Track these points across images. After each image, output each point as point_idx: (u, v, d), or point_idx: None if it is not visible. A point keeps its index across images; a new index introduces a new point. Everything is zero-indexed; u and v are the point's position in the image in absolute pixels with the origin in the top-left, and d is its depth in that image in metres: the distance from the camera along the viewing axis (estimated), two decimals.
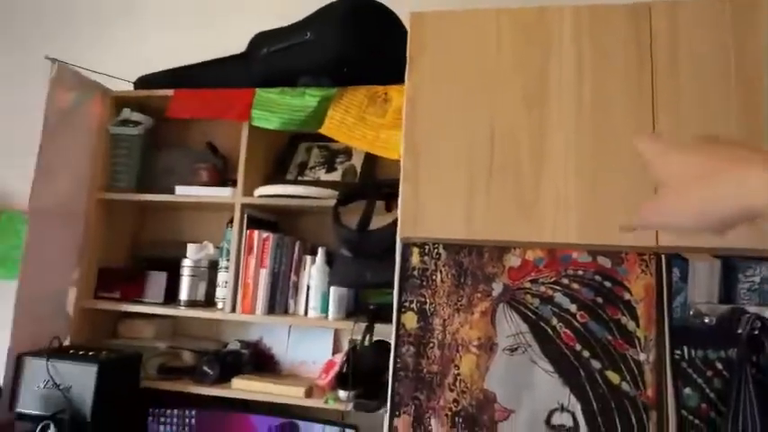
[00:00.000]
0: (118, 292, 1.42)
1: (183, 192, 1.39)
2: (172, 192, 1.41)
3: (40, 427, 1.04)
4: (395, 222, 1.13)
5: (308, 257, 1.35)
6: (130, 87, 1.53)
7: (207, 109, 1.38)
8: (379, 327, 1.22)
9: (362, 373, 1.22)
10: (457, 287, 0.81)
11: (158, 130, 1.55)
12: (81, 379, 1.17)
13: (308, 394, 1.25)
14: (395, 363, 0.81)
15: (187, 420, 1.29)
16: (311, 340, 1.47)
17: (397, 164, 1.34)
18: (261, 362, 1.47)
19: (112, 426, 1.20)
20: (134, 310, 1.41)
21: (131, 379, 1.29)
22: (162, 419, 1.30)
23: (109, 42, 1.75)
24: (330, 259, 1.33)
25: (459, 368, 0.79)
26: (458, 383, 0.78)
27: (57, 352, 1.24)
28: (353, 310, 1.34)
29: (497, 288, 0.79)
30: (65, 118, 1.34)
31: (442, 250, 0.82)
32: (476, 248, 0.81)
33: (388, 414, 1.15)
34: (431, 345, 0.80)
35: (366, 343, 1.24)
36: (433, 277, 0.82)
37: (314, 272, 1.30)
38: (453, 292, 0.81)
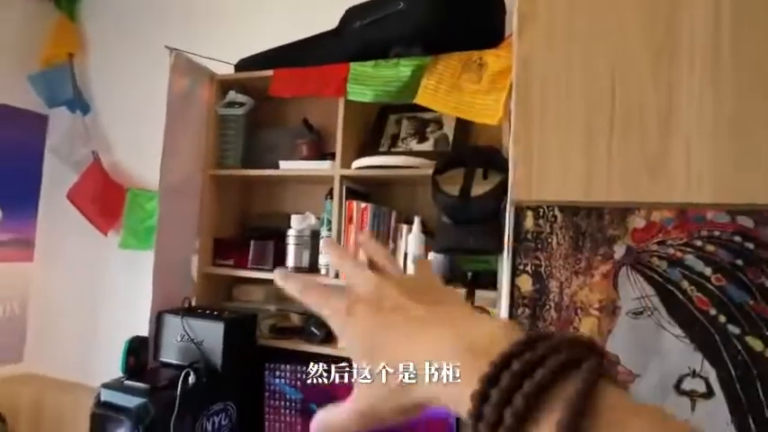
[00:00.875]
0: (232, 260, 1.57)
1: (287, 166, 1.49)
2: (276, 166, 1.51)
3: (183, 374, 1.19)
4: (496, 188, 1.13)
5: (404, 226, 1.39)
6: (232, 70, 1.64)
7: (305, 87, 1.45)
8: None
9: None
10: (575, 250, 0.80)
11: (258, 109, 1.65)
12: (210, 334, 1.32)
13: None
14: None
15: (299, 375, 1.42)
16: None
17: (492, 130, 1.33)
18: None
19: (237, 376, 1.35)
20: (246, 276, 1.55)
21: (249, 336, 1.43)
22: (277, 373, 1.43)
23: (212, 29, 1.87)
24: (425, 228, 1.36)
25: (578, 330, 0.78)
26: None
27: (188, 311, 1.40)
28: (450, 278, 1.37)
29: (619, 250, 0.77)
30: (182, 102, 1.48)
31: (557, 213, 0.81)
32: (595, 211, 0.79)
33: None
34: (547, 307, 0.81)
35: None
36: (549, 240, 0.81)
37: (411, 239, 1.34)
38: (571, 254, 0.80)
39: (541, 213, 0.83)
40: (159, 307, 1.42)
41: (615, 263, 0.78)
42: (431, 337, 0.26)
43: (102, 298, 1.98)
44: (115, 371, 1.93)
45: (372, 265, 0.34)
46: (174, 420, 1.14)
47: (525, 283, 0.83)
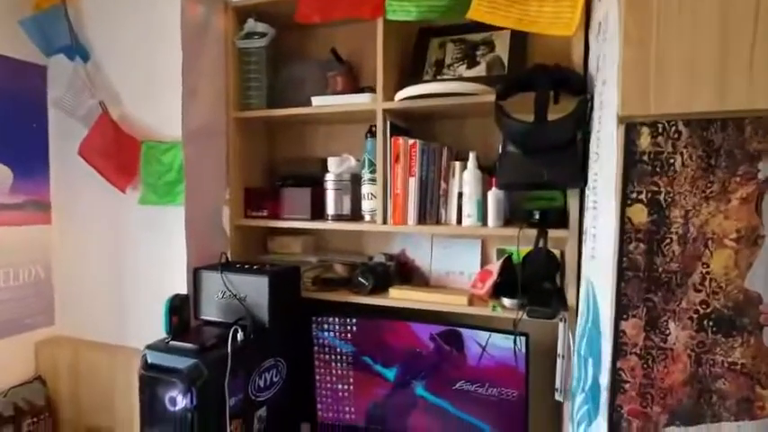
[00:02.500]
0: (265, 211, 1.46)
1: (321, 102, 1.33)
2: (306, 104, 1.35)
3: (231, 332, 1.11)
4: (576, 111, 0.98)
5: (456, 164, 1.25)
6: None
7: (337, 9, 1.26)
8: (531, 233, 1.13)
9: (528, 280, 1.15)
10: (705, 171, 0.66)
11: (281, 40, 1.47)
12: (254, 289, 1.23)
13: (470, 303, 1.22)
14: (620, 262, 0.72)
15: (348, 328, 1.34)
16: (457, 251, 1.42)
17: (553, 47, 1.15)
18: (406, 273, 1.46)
19: (284, 331, 1.27)
20: (282, 226, 1.44)
21: (294, 290, 1.34)
22: (325, 327, 1.36)
23: None
24: (481, 164, 1.22)
25: (708, 266, 0.67)
26: (707, 283, 0.67)
27: (226, 266, 1.31)
28: (509, 218, 1.25)
29: (765, 168, 0.64)
30: (198, 33, 1.30)
31: (682, 128, 0.67)
32: (732, 122, 0.65)
33: (563, 320, 1.09)
34: (667, 240, 0.69)
35: (517, 254, 1.16)
36: (671, 161, 0.68)
37: (467, 177, 1.21)
38: (700, 177, 0.67)
39: (661, 130, 0.69)
40: (194, 263, 1.32)
41: (759, 183, 0.64)
42: None
43: (127, 257, 1.89)
44: (149, 331, 1.88)
45: None
46: (228, 379, 1.07)
47: (639, 214, 0.71)
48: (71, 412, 2.02)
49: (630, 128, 0.70)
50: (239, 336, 1.13)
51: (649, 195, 0.70)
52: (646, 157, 0.70)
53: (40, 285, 2.08)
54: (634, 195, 0.71)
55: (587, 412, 0.87)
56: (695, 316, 0.68)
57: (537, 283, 1.17)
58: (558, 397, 1.12)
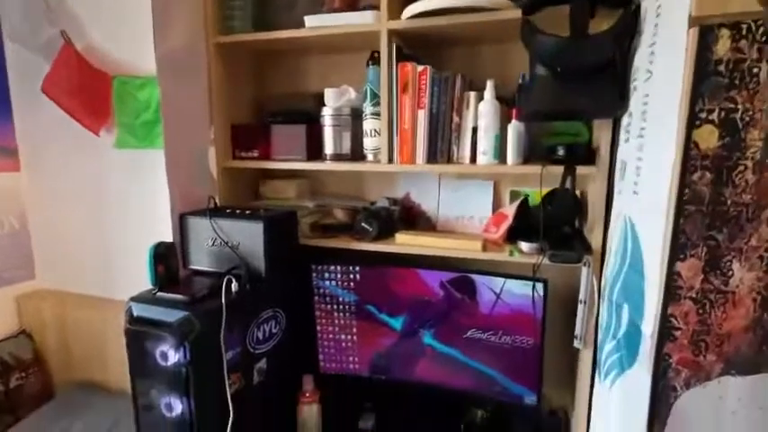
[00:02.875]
0: (256, 151, 1.32)
1: (316, 22, 1.15)
2: (298, 25, 1.18)
3: (224, 281, 1.01)
4: (620, 23, 0.84)
5: (472, 94, 1.11)
6: None
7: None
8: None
9: (547, 223, 1.06)
10: None
11: None
12: (248, 236, 1.12)
13: (484, 248, 1.12)
14: (680, 195, 0.61)
15: (351, 276, 1.25)
16: (467, 194, 1.32)
17: None
18: (411, 219, 1.36)
19: (282, 281, 1.18)
20: (275, 168, 1.31)
21: (291, 236, 1.23)
22: (326, 275, 1.27)
23: None
24: (500, 94, 1.09)
25: None
26: None
27: (215, 212, 1.18)
28: (528, 156, 1.13)
29: None
30: None
31: None
32: None
33: (587, 265, 1.01)
34: (740, 168, 0.58)
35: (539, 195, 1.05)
36: (754, 71, 0.56)
37: (483, 109, 1.08)
38: None
39: (745, 32, 0.56)
40: (179, 209, 1.20)
41: None
42: None
43: (108, 206, 1.75)
44: (136, 282, 1.78)
45: None
46: (224, 332, 0.98)
47: (708, 138, 0.59)
48: (61, 366, 1.95)
49: (706, 31, 0.58)
50: (233, 286, 1.03)
51: (722, 114, 0.58)
52: (722, 68, 0.57)
53: (16, 237, 1.94)
54: (703, 115, 0.59)
55: (618, 360, 0.80)
56: (766, 255, 0.59)
57: (556, 227, 1.08)
58: (576, 344, 1.06)
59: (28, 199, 1.96)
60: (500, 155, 1.08)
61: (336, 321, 1.29)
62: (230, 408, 0.98)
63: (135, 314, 0.98)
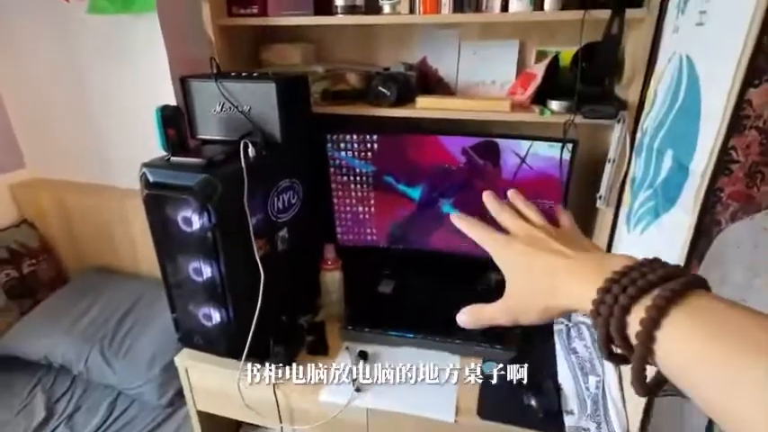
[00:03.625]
0: (255, 7, 1.17)
1: None
2: None
3: (242, 145, 0.95)
4: None
5: None
6: None
7: None
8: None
9: (582, 80, 0.99)
10: None
11: None
12: (260, 100, 1.04)
13: (512, 108, 1.07)
14: (767, 13, 0.55)
15: (368, 146, 1.20)
16: (489, 56, 1.22)
17: None
18: (428, 86, 1.27)
19: (297, 150, 1.13)
20: (279, 25, 1.18)
21: (304, 102, 1.15)
22: (341, 146, 1.21)
23: None
24: None
25: None
26: None
27: (220, 74, 1.08)
28: (566, 1, 1.02)
29: None
30: None
31: None
32: None
33: (621, 121, 0.96)
34: None
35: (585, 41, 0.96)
36: None
37: None
38: None
39: None
40: (179, 73, 1.09)
41: None
42: (571, 265, 0.35)
43: (88, 82, 1.61)
44: (135, 168, 1.72)
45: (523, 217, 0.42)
46: (246, 195, 0.95)
47: None
48: (70, 253, 1.96)
49: None
50: (251, 151, 0.98)
51: None
52: None
53: None
54: None
55: (653, 208, 0.80)
56: None
57: (589, 85, 1.02)
58: (599, 204, 1.07)
59: (1, 83, 1.79)
60: (535, 0, 0.97)
61: (353, 193, 1.27)
62: (260, 269, 0.99)
63: (151, 180, 0.93)
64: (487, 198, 0.46)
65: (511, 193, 0.47)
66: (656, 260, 0.31)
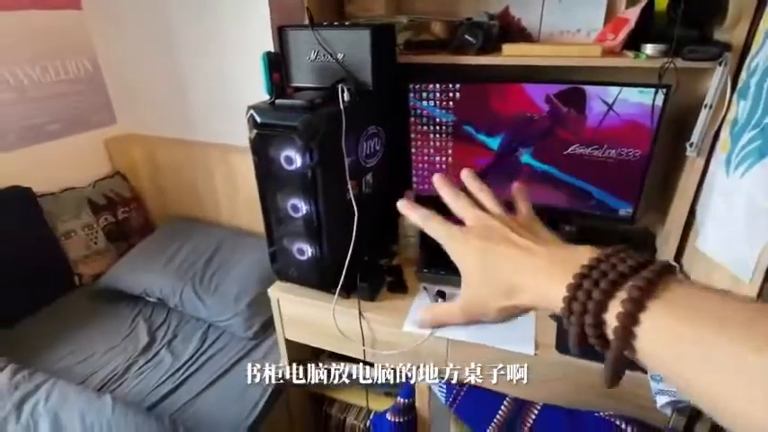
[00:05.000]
0: None
1: None
2: None
3: (340, 88, 1.01)
4: None
5: None
6: None
7: None
8: None
9: (672, 27, 0.96)
10: None
11: None
12: (353, 47, 1.08)
13: (604, 54, 1.06)
14: None
15: (450, 95, 1.23)
16: (574, 4, 1.20)
17: None
18: (511, 35, 1.27)
19: (384, 97, 1.17)
20: None
21: (391, 50, 1.19)
22: (424, 95, 1.25)
23: None
24: None
25: None
26: None
27: (315, 25, 1.13)
28: None
29: None
30: None
31: None
32: None
33: (724, 63, 0.94)
34: None
35: None
36: None
37: None
38: None
39: None
40: (276, 23, 1.15)
41: None
42: (533, 260, 0.33)
43: (178, 43, 1.72)
44: (220, 124, 1.82)
45: (478, 204, 0.40)
46: (344, 137, 1.01)
47: None
48: (157, 204, 2.13)
49: None
50: (345, 95, 1.03)
51: None
52: None
53: (92, 81, 1.97)
54: None
55: (758, 148, 0.80)
56: None
57: (687, 28, 0.99)
58: (690, 152, 1.05)
59: (96, 39, 1.93)
60: None
61: (432, 143, 1.31)
62: (354, 207, 1.06)
63: (258, 120, 1.01)
64: (439, 182, 0.42)
65: (464, 173, 0.43)
66: (622, 248, 0.30)
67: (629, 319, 0.26)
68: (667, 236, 1.22)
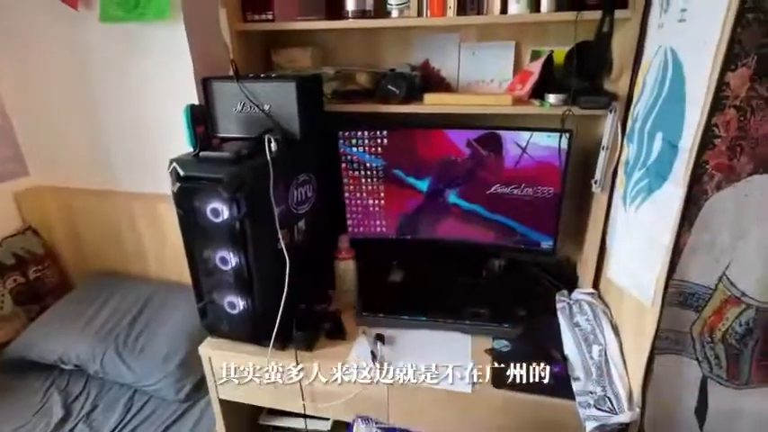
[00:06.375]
0: (270, 13, 1.24)
1: None
2: None
3: (266, 139, 1.02)
4: None
5: None
6: None
7: None
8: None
9: (568, 78, 1.09)
10: None
11: None
12: (279, 99, 1.10)
13: (514, 102, 1.16)
14: (743, 1, 0.65)
15: (378, 141, 1.28)
16: (487, 56, 1.31)
17: None
18: (432, 85, 1.36)
19: (313, 146, 1.19)
20: (291, 29, 1.25)
21: (318, 100, 1.22)
22: (353, 142, 1.29)
23: None
24: None
25: None
26: None
27: (240, 77, 1.15)
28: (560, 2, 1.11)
29: None
30: None
31: None
32: None
33: (613, 111, 1.06)
34: None
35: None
36: None
37: None
38: None
39: None
40: (200, 75, 1.15)
41: None
42: None
43: (98, 89, 1.65)
44: (142, 172, 1.75)
45: None
46: (272, 187, 1.01)
47: None
48: (76, 259, 1.97)
49: None
50: (273, 146, 1.04)
51: None
52: None
53: (1, 131, 1.83)
54: None
55: (647, 185, 0.90)
56: None
57: (581, 80, 1.12)
58: (595, 189, 1.16)
59: (4, 89, 1.82)
60: (532, 2, 1.07)
61: (364, 187, 1.34)
62: (286, 256, 1.05)
63: (182, 174, 0.98)
64: None
65: None
66: None
67: None
68: (585, 264, 1.32)
